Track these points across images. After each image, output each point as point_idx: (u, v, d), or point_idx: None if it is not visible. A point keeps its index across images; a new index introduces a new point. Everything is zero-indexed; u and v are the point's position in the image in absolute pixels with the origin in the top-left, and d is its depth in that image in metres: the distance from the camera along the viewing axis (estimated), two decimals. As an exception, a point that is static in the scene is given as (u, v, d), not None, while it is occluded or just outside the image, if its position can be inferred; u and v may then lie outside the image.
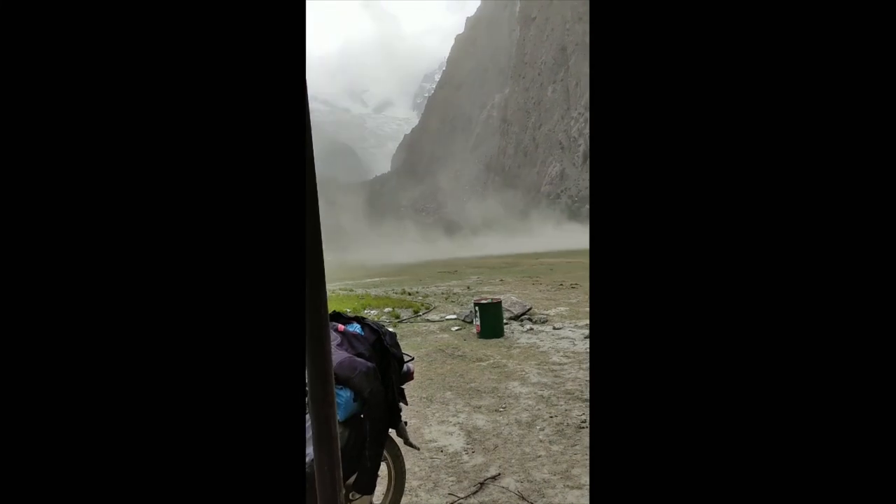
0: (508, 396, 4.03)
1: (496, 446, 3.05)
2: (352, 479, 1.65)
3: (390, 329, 2.08)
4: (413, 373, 2.05)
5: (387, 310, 9.74)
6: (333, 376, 0.84)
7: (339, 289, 16.24)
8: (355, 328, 1.84)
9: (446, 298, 12.09)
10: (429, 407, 3.86)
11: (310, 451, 1.46)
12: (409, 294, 13.71)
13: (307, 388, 0.85)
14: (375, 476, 1.68)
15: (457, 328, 7.42)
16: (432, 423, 3.49)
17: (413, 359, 2.06)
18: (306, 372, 0.81)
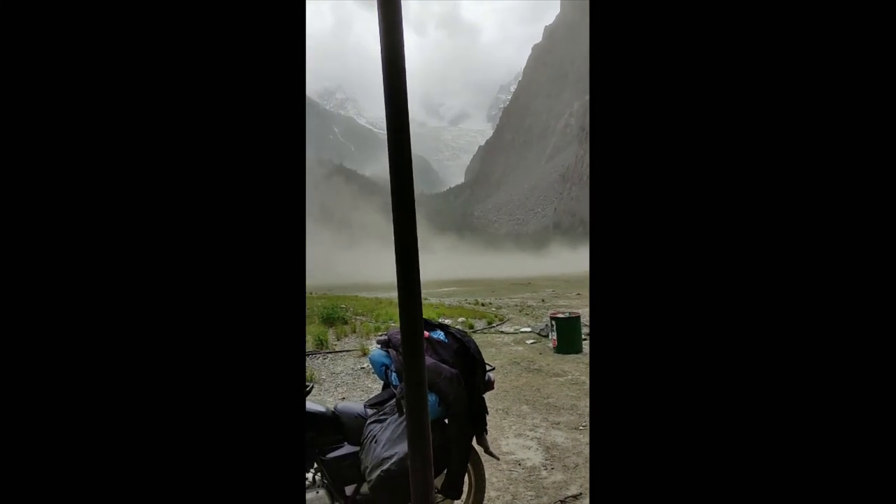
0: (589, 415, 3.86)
1: (577, 465, 2.94)
2: (437, 481, 1.68)
3: (468, 338, 2.10)
4: (493, 382, 2.05)
5: (461, 319, 9.82)
6: (427, 382, 0.88)
7: (414, 297, 16.61)
8: (439, 335, 1.89)
9: (520, 311, 11.93)
10: (505, 419, 3.82)
11: (401, 447, 1.53)
12: (483, 305, 13.71)
13: (401, 392, 0.89)
14: (462, 481, 1.71)
15: (531, 341, 7.28)
16: (509, 436, 3.45)
17: (493, 368, 2.06)
18: (403, 377, 0.86)
